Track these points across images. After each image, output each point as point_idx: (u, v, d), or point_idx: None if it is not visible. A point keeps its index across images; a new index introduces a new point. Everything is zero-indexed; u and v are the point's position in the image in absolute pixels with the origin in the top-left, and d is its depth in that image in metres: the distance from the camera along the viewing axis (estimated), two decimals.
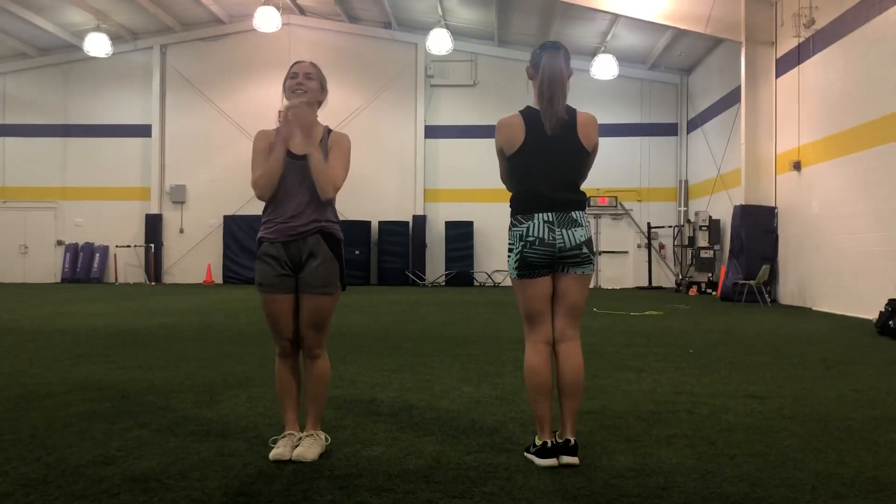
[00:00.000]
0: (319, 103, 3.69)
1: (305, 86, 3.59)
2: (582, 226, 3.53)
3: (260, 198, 3.61)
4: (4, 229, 24.58)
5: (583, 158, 3.57)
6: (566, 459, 3.39)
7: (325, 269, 3.56)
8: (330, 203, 3.64)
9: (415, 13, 22.25)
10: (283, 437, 3.55)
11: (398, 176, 23.82)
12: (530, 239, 3.47)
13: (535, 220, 3.48)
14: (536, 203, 3.50)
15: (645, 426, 4.17)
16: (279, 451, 3.45)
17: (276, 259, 3.55)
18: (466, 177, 23.36)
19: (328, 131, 3.68)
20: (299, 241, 3.54)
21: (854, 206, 12.62)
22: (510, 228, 3.59)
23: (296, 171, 3.56)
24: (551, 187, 3.50)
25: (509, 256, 3.59)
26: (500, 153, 3.63)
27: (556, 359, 3.55)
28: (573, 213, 3.52)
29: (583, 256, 3.52)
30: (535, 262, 3.48)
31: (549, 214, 3.48)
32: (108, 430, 4.00)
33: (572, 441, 3.42)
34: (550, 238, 3.46)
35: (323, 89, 3.69)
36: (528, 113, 3.57)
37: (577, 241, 3.49)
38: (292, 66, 3.66)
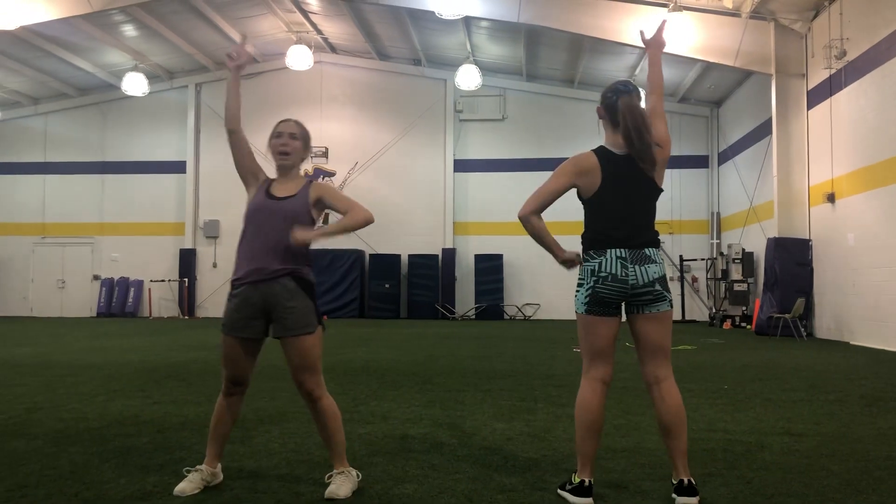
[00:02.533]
0: (303, 159, 3.84)
1: (290, 146, 3.73)
2: (656, 262, 3.47)
3: (227, 128, 3.82)
4: (43, 264, 25.09)
5: (656, 195, 3.57)
6: (684, 500, 3.29)
7: (299, 311, 3.54)
8: (303, 246, 3.59)
9: (444, 50, 22.55)
10: (195, 471, 3.57)
11: (428, 209, 23.95)
12: (603, 274, 3.43)
13: (608, 256, 3.44)
14: (610, 240, 3.46)
15: None
16: (182, 485, 3.47)
17: (246, 301, 3.55)
18: (496, 210, 23.42)
19: (308, 182, 3.77)
20: (271, 282, 3.54)
21: (891, 239, 12.42)
22: (583, 263, 3.52)
23: (272, 212, 3.61)
24: (626, 225, 3.47)
25: (578, 291, 3.52)
26: (561, 178, 3.53)
27: (654, 402, 3.47)
28: (647, 249, 3.47)
29: (656, 293, 3.45)
30: (606, 298, 3.43)
31: (623, 251, 3.44)
32: (144, 465, 4.05)
33: (686, 481, 3.33)
34: (623, 274, 3.41)
35: (306, 147, 3.83)
36: (602, 154, 3.55)
37: (651, 279, 3.44)
38: (277, 125, 3.80)
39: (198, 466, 3.61)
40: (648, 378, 3.50)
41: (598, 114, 3.65)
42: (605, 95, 3.61)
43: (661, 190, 3.58)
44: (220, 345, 3.65)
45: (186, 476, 3.55)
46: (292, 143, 3.73)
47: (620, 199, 3.50)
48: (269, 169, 3.82)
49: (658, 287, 3.45)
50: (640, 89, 3.67)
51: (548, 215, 3.53)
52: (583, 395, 3.48)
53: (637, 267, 3.43)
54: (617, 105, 3.52)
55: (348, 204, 3.70)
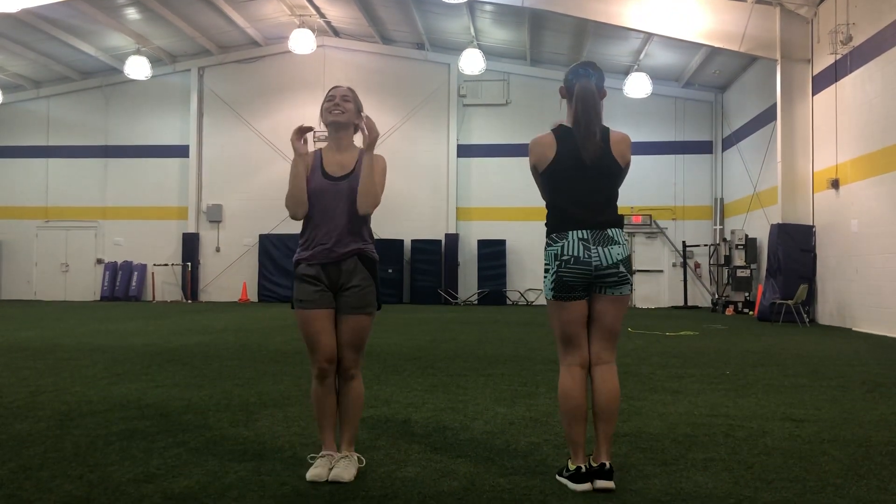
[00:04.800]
0: (356, 126, 3.76)
1: (342, 107, 3.67)
2: (619, 243, 3.48)
3: (292, 217, 3.67)
4: (47, 248, 25.14)
5: (616, 176, 3.56)
6: (601, 484, 3.34)
7: (364, 291, 3.62)
8: (366, 224, 3.70)
9: (447, 34, 22.44)
10: (321, 457, 3.58)
11: (431, 195, 23.93)
12: (566, 258, 3.45)
13: (570, 238, 3.46)
14: (570, 221, 3.48)
15: (681, 449, 4.13)
16: (317, 471, 3.49)
17: (315, 278, 3.60)
18: (499, 195, 23.39)
19: (362, 153, 3.74)
20: (338, 263, 3.60)
21: (895, 225, 12.39)
22: (546, 248, 3.56)
23: (333, 193, 3.62)
24: (585, 205, 3.49)
25: (545, 277, 3.56)
26: (534, 171, 3.65)
27: (592, 382, 3.52)
28: (609, 230, 3.49)
29: (620, 276, 3.46)
30: (571, 282, 3.45)
31: (584, 232, 3.46)
32: (147, 448, 4.07)
33: (607, 465, 3.37)
34: (586, 256, 3.43)
35: (359, 113, 3.76)
36: (560, 132, 3.58)
37: (614, 260, 3.45)
38: (330, 90, 3.77)
39: (324, 453, 3.60)
40: (593, 357, 3.53)
41: (561, 94, 3.68)
42: (566, 77, 3.64)
43: (623, 168, 3.56)
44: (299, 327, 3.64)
45: (314, 462, 3.57)
46: (345, 104, 3.70)
47: (576, 177, 3.51)
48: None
49: (622, 269, 3.47)
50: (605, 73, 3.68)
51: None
52: (563, 382, 3.49)
53: (600, 248, 3.45)
54: (574, 88, 3.56)
55: (379, 180, 3.67)
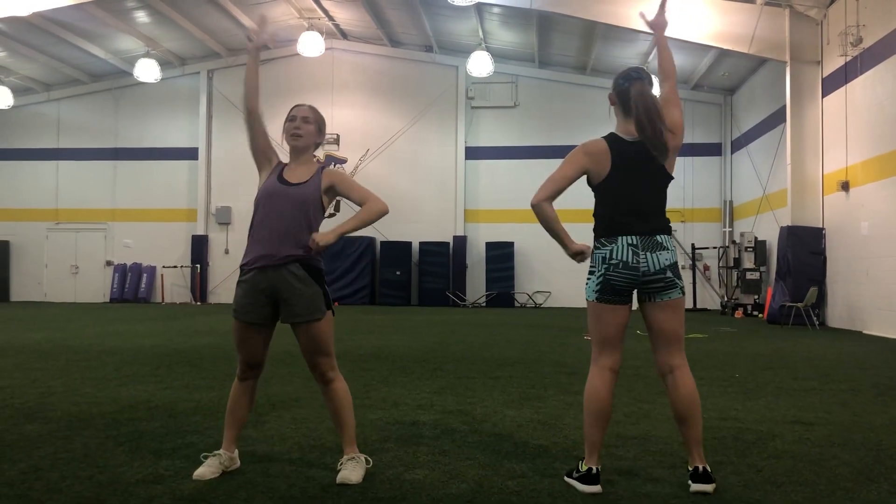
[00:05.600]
0: (316, 145, 3.85)
1: (302, 129, 3.74)
2: (668, 249, 3.46)
3: (246, 107, 3.79)
4: (57, 250, 25.27)
5: (667, 182, 3.55)
6: (699, 487, 3.33)
7: (308, 297, 3.55)
8: (311, 234, 3.63)
9: (456, 36, 22.45)
10: (213, 455, 3.62)
11: (439, 197, 23.93)
12: (614, 262, 3.42)
13: (619, 244, 3.43)
14: (621, 227, 3.45)
15: None
16: (201, 470, 3.53)
17: (254, 287, 3.57)
18: (507, 197, 23.37)
19: (320, 169, 3.76)
20: (279, 268, 3.55)
21: None
22: (593, 251, 3.52)
23: (283, 197, 3.64)
24: (636, 212, 3.46)
25: (589, 278, 3.52)
26: (572, 165, 3.52)
27: (667, 391, 3.49)
28: (658, 236, 3.46)
29: (667, 281, 3.43)
30: (618, 286, 3.43)
31: (634, 238, 3.43)
32: (157, 449, 4.08)
33: (701, 468, 3.35)
34: (634, 261, 3.40)
35: (320, 132, 3.84)
36: (612, 140, 3.53)
37: (662, 266, 3.42)
38: (291, 110, 3.81)
39: (215, 451, 3.65)
40: (662, 367, 3.50)
41: (610, 100, 3.61)
42: (616, 82, 3.58)
43: (672, 177, 3.56)
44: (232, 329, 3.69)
45: (204, 461, 3.60)
46: (305, 126, 3.75)
47: (630, 186, 3.48)
48: (284, 155, 3.85)
49: (669, 274, 3.44)
50: (653, 76, 3.64)
51: (559, 203, 3.50)
52: (591, 382, 3.48)
53: (648, 254, 3.42)
54: (629, 92, 3.48)
55: (363, 194, 3.69)
